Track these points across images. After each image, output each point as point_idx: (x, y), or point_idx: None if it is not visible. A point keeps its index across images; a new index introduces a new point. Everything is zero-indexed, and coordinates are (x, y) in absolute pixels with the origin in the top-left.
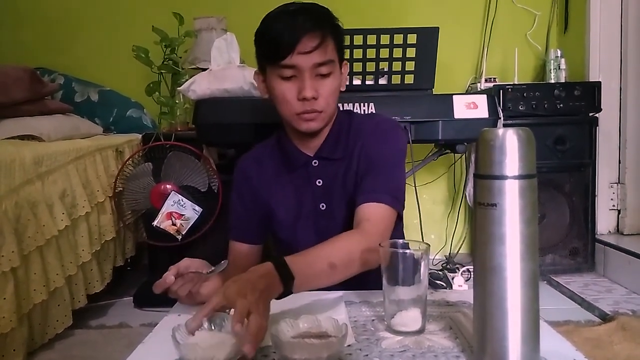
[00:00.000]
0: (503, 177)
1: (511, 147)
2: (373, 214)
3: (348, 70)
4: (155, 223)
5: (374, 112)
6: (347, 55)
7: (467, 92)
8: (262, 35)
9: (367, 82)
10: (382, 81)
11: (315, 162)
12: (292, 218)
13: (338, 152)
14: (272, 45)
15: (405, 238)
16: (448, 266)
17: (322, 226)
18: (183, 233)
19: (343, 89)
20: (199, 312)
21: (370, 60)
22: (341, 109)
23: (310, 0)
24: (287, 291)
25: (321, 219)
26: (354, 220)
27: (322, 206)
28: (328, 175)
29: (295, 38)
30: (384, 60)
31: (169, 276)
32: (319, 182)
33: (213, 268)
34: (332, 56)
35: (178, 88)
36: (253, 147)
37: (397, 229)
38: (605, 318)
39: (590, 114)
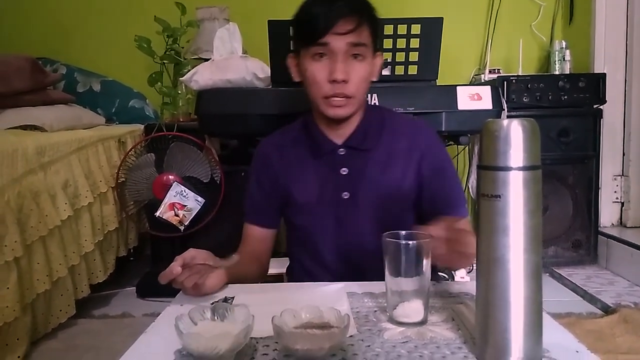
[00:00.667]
0: (507, 169)
1: (516, 138)
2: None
3: (382, 62)
4: (157, 214)
5: (377, 103)
6: None
7: (471, 84)
8: (299, 17)
9: None
10: (386, 72)
11: (342, 151)
12: (313, 205)
13: (367, 143)
14: (308, 26)
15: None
16: None
17: (342, 215)
18: (185, 224)
19: (375, 79)
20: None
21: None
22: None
23: None
24: None
25: (343, 207)
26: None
27: (345, 195)
28: (355, 165)
29: (332, 20)
30: (388, 50)
31: (176, 267)
32: (345, 171)
33: (223, 262)
34: (366, 41)
35: (180, 78)
36: (276, 130)
37: None
38: (607, 310)
39: (595, 106)
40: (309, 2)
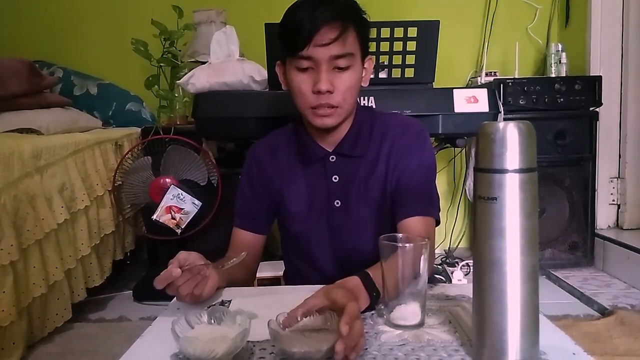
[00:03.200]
0: (503, 171)
1: (512, 140)
2: (424, 230)
3: (373, 65)
4: (154, 217)
5: (374, 106)
6: None
7: (468, 86)
8: (283, 26)
9: None
10: (383, 75)
11: (332, 158)
12: (305, 212)
13: (358, 149)
14: (290, 36)
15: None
16: (447, 260)
17: (336, 223)
18: (182, 227)
19: (366, 84)
20: (295, 310)
21: (371, 53)
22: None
23: None
24: (371, 306)
25: (335, 215)
26: (397, 229)
27: (337, 203)
28: (346, 172)
29: (314, 29)
30: (385, 53)
31: (175, 269)
32: (336, 179)
33: (234, 259)
34: (353, 49)
35: (177, 81)
36: (268, 134)
37: None
38: (604, 312)
39: (591, 109)
40: (293, 8)
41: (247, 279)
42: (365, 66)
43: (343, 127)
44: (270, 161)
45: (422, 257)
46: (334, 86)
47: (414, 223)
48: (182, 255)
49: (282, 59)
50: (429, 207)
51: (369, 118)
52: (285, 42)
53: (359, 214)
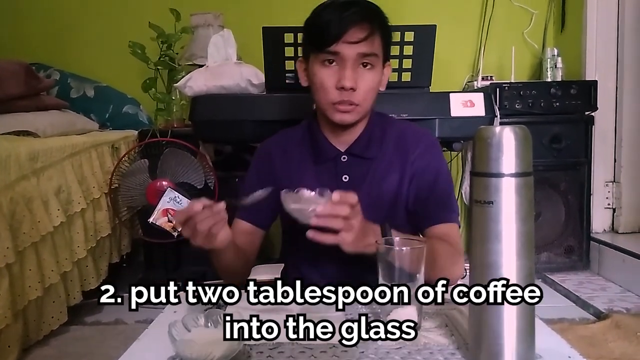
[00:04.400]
0: (500, 175)
1: (508, 144)
2: (452, 234)
3: (390, 72)
4: (151, 220)
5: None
6: None
7: (464, 90)
8: (311, 23)
9: None
10: None
11: (344, 158)
12: None
13: (370, 151)
14: (320, 32)
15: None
16: None
17: None
18: (179, 230)
19: (383, 89)
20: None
21: None
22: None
23: None
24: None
25: None
26: (426, 235)
27: None
28: (356, 172)
29: (344, 27)
30: None
31: (197, 204)
32: (346, 178)
33: (260, 191)
34: (377, 51)
35: (174, 84)
36: (279, 132)
37: None
38: (599, 316)
39: (586, 113)
40: (321, 8)
41: (243, 266)
42: (384, 71)
43: (357, 127)
44: (279, 158)
45: (419, 260)
46: (357, 84)
47: (442, 231)
48: (206, 199)
49: (305, 56)
50: (453, 214)
51: (382, 122)
52: (313, 38)
53: (366, 215)
